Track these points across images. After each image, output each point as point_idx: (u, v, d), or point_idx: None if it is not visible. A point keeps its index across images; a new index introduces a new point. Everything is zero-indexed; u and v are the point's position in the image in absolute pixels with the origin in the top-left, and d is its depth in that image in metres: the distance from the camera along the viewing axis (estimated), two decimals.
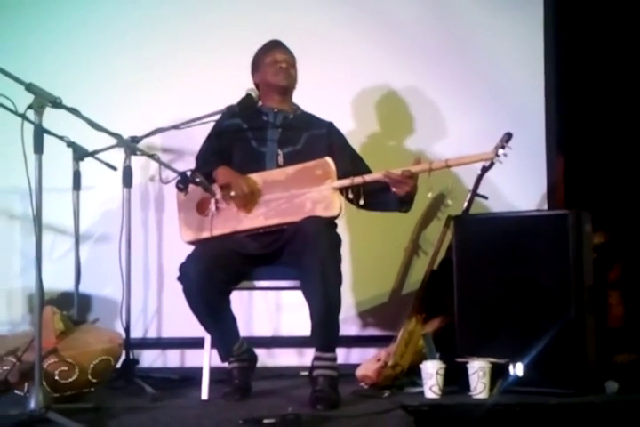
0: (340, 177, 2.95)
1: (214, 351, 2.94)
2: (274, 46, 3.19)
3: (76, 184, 3.38)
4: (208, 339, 2.95)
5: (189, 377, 3.30)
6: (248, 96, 3.05)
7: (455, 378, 2.91)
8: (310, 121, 3.18)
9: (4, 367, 2.71)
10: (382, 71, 3.91)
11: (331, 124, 3.21)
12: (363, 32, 3.90)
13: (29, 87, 2.39)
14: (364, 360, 3.25)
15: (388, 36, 3.92)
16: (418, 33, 3.96)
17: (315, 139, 3.11)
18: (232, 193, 2.94)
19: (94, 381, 2.81)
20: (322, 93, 3.62)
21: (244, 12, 3.87)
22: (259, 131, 3.10)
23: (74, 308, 3.33)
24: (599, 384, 2.88)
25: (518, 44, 3.99)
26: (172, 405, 2.83)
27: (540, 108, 3.99)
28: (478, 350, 2.92)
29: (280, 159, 3.05)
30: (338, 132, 3.21)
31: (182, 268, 2.84)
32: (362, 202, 2.93)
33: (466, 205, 3.42)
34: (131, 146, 3.13)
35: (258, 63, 3.19)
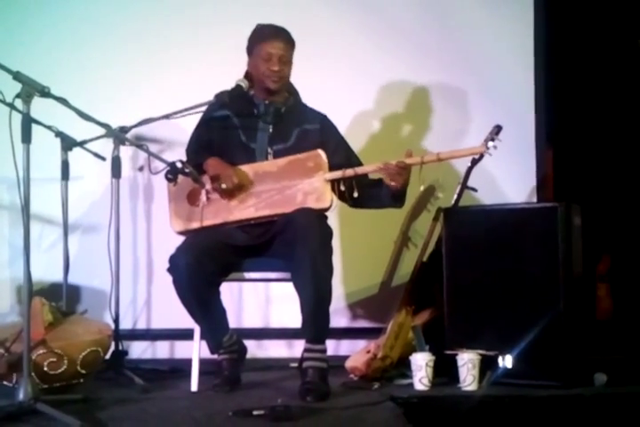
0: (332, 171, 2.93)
1: (204, 343, 2.94)
2: (269, 35, 3.00)
3: (65, 174, 3.35)
4: (198, 330, 2.95)
5: (179, 369, 3.30)
6: (237, 87, 3.02)
7: (444, 370, 2.91)
8: (303, 114, 3.10)
9: None
10: (374, 65, 3.88)
11: (324, 118, 3.12)
12: (356, 25, 3.88)
13: (17, 76, 2.37)
14: (354, 352, 3.25)
15: (380, 29, 3.90)
16: (409, 27, 3.94)
17: (306, 134, 3.05)
18: (223, 185, 2.92)
19: (83, 372, 2.80)
20: (315, 86, 3.58)
21: (238, 6, 3.84)
22: (249, 125, 3.06)
23: (62, 299, 3.31)
24: (588, 376, 2.89)
25: (508, 38, 3.98)
26: (162, 396, 2.83)
27: (529, 100, 3.99)
28: (468, 342, 2.93)
29: (270, 157, 3.02)
30: (331, 127, 3.13)
31: (172, 259, 2.83)
32: (356, 194, 2.91)
33: (455, 197, 3.42)
34: (119, 136, 3.11)
35: (252, 48, 3.04)
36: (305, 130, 3.06)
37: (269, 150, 3.03)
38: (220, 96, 3.00)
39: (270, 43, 2.99)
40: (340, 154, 3.04)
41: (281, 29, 3.04)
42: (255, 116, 3.07)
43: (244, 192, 2.95)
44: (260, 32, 3.05)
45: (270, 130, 3.05)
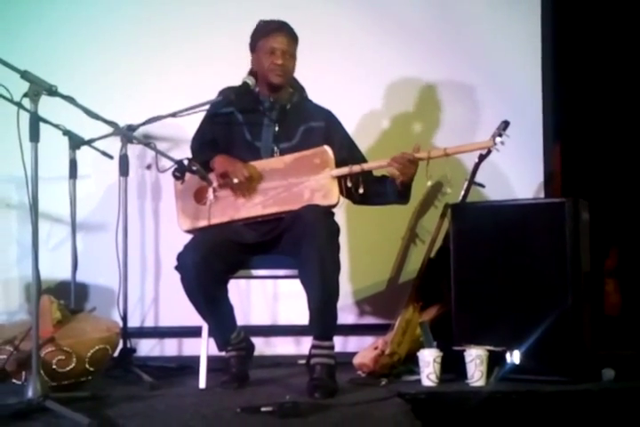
0: (338, 167, 2.93)
1: (212, 340, 2.94)
2: (272, 30, 2.98)
3: (73, 173, 3.37)
4: (205, 328, 2.95)
5: (187, 366, 3.30)
6: (244, 84, 3.02)
7: (452, 366, 2.91)
8: (308, 111, 3.09)
9: (1, 356, 2.72)
10: (381, 61, 3.88)
11: (329, 115, 3.11)
12: (362, 22, 3.87)
13: (25, 75, 2.37)
14: (362, 349, 3.25)
15: (387, 26, 3.89)
16: (417, 23, 3.93)
17: (311, 132, 3.04)
18: (235, 180, 2.92)
19: (92, 369, 2.81)
20: (323, 83, 3.57)
21: (244, 3, 3.83)
22: (253, 122, 3.05)
23: (71, 297, 3.33)
24: (596, 372, 2.89)
25: (516, 35, 3.98)
26: (170, 393, 2.83)
27: (537, 96, 3.98)
28: (475, 338, 2.93)
29: (276, 156, 3.00)
30: (336, 124, 3.11)
31: (180, 257, 2.83)
32: (361, 190, 2.91)
33: (463, 193, 3.42)
34: (127, 134, 3.11)
35: (255, 43, 3.03)
36: (310, 127, 3.05)
37: (275, 149, 3.02)
38: (226, 93, 3.00)
39: (273, 37, 2.98)
40: (344, 150, 3.03)
41: (284, 24, 3.02)
42: (260, 113, 3.06)
43: (256, 185, 2.94)
44: (262, 27, 3.03)
45: (276, 128, 3.05)
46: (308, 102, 3.14)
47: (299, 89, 3.14)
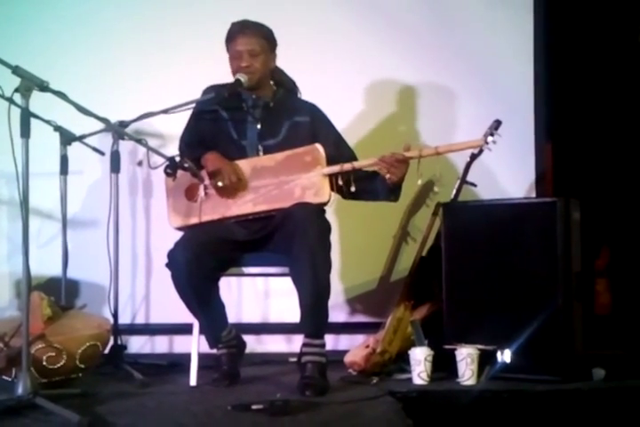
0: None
1: (203, 337, 2.94)
2: (234, 33, 2.98)
3: (64, 169, 3.36)
4: (196, 325, 2.95)
5: (178, 363, 3.30)
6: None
7: (443, 365, 2.92)
8: (292, 106, 3.08)
9: None
10: (374, 60, 3.88)
11: (314, 109, 3.09)
12: (356, 21, 3.87)
13: (16, 70, 2.37)
14: (353, 347, 3.26)
15: (380, 25, 3.89)
16: (410, 21, 3.93)
17: (296, 127, 3.03)
18: (219, 183, 2.91)
19: (82, 366, 2.80)
20: (315, 80, 3.57)
21: (239, 2, 3.82)
22: (238, 119, 3.04)
23: (61, 293, 3.32)
24: (586, 371, 2.90)
25: (508, 33, 3.98)
26: (161, 391, 2.83)
27: (529, 95, 3.98)
28: (466, 336, 2.93)
29: (261, 153, 3.01)
30: (321, 117, 3.10)
31: (170, 254, 2.82)
32: (353, 189, 2.91)
33: (454, 192, 3.42)
34: (119, 130, 3.10)
35: (227, 49, 3.03)
36: (295, 122, 3.04)
37: (259, 147, 3.02)
38: (218, 90, 2.99)
39: (236, 40, 2.98)
40: (331, 145, 3.01)
41: (246, 24, 3.00)
42: (244, 111, 3.05)
43: (241, 189, 2.94)
44: (228, 32, 3.02)
45: (259, 126, 3.04)
46: (294, 97, 3.13)
47: (285, 84, 3.13)
